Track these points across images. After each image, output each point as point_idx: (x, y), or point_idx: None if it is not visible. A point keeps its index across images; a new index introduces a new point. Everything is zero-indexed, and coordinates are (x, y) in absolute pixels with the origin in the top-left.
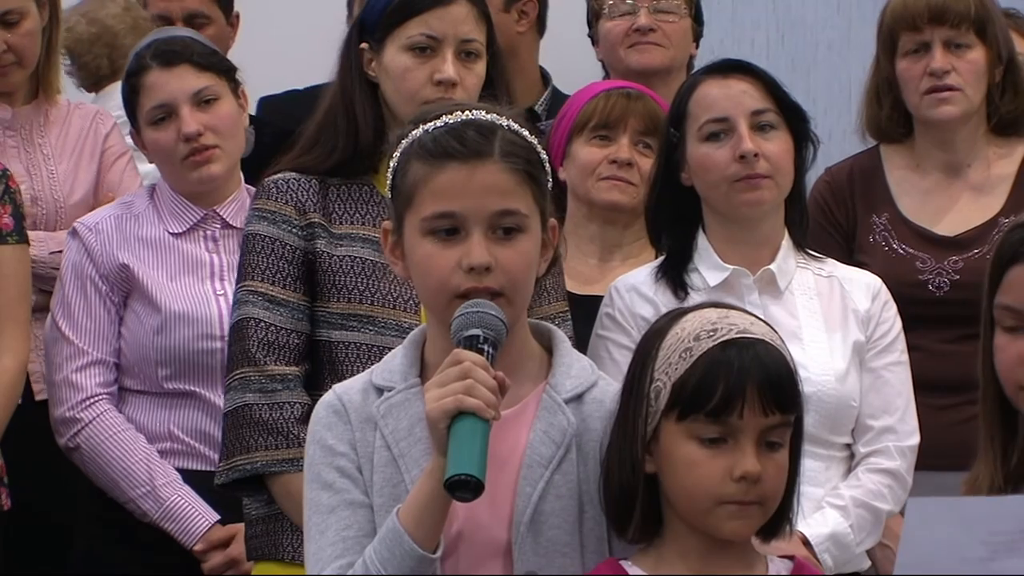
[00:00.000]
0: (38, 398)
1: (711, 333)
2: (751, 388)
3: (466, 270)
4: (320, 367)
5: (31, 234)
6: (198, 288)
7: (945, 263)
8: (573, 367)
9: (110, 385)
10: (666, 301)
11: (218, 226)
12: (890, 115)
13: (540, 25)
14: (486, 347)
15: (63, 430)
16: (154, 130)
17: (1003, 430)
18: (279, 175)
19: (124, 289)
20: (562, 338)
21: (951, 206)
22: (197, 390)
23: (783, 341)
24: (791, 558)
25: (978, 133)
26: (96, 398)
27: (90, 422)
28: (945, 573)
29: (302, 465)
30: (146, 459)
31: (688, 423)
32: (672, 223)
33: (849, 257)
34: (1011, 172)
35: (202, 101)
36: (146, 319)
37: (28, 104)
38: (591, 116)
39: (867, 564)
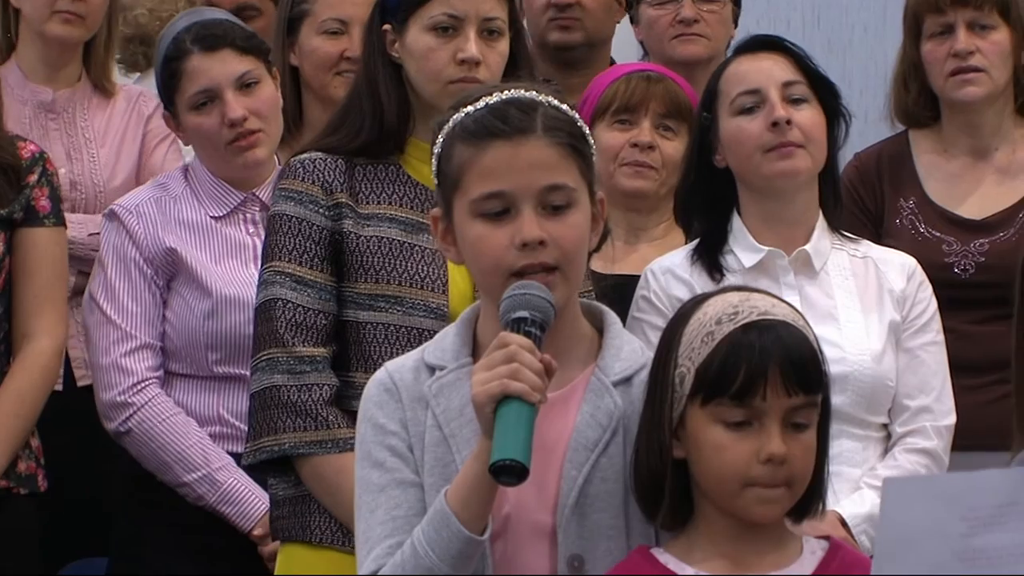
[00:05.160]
0: (81, 384)
1: (732, 316)
2: (773, 369)
3: (519, 247)
4: (347, 348)
5: (70, 216)
6: (242, 272)
7: (971, 246)
8: (623, 349)
9: (158, 369)
10: (702, 283)
11: (257, 209)
12: (917, 99)
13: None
14: (533, 329)
15: (113, 414)
16: (196, 115)
17: None
18: (305, 155)
19: (169, 272)
20: (613, 319)
21: (977, 189)
22: (247, 374)
23: (806, 322)
24: (827, 538)
25: (1004, 116)
26: (147, 382)
27: (142, 406)
28: (926, 550)
29: (331, 447)
30: (201, 443)
31: (712, 407)
32: (706, 206)
33: (877, 241)
34: None
35: (244, 85)
36: (195, 303)
37: (71, 87)
38: (612, 100)
39: None
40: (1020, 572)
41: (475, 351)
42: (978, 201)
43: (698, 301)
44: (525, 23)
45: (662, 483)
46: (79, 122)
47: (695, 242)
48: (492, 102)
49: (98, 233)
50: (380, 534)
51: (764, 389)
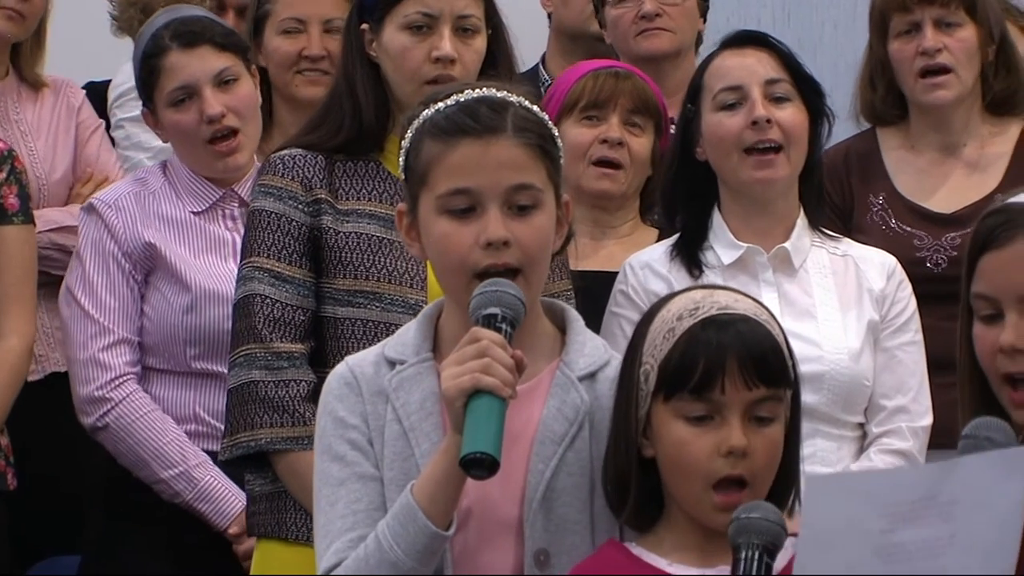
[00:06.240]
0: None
1: (693, 312)
2: (731, 361)
3: (483, 246)
4: (325, 344)
5: None
6: (222, 267)
7: (943, 240)
8: (587, 345)
9: (135, 364)
10: (680, 279)
11: (236, 205)
12: (884, 98)
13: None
14: (504, 326)
15: (90, 409)
16: (175, 112)
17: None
18: (285, 151)
19: (147, 267)
20: (575, 316)
21: (946, 183)
22: (224, 371)
23: (772, 316)
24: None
25: (973, 113)
26: (125, 377)
27: (120, 402)
28: (846, 548)
29: (308, 444)
30: (178, 440)
31: (674, 402)
32: (687, 200)
33: (847, 237)
34: (1006, 150)
35: (223, 82)
36: (174, 298)
37: (1, 81)
38: (580, 96)
39: None
40: (936, 565)
41: (437, 347)
42: (947, 195)
43: (664, 300)
44: (562, 10)
45: (628, 482)
46: (12, 116)
47: (674, 237)
48: (463, 100)
49: (45, 231)
50: (340, 527)
51: (723, 382)
